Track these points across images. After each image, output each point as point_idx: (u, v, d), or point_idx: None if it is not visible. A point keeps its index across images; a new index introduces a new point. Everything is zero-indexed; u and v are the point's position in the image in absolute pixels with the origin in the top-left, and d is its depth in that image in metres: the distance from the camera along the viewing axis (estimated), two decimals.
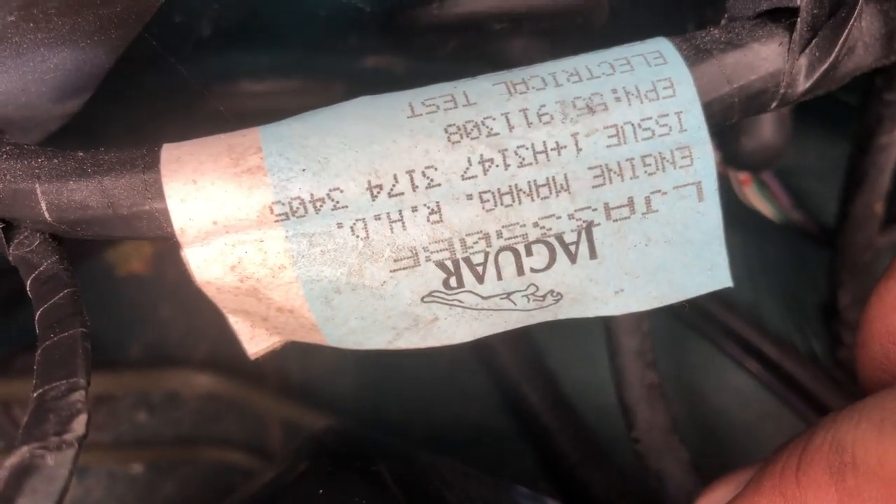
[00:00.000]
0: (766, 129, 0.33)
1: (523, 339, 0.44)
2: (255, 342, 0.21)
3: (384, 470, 0.27)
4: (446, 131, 0.19)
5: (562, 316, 0.21)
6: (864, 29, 0.22)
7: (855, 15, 0.21)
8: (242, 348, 0.22)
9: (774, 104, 0.22)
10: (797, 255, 0.45)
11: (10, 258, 0.20)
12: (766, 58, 0.21)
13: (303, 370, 0.48)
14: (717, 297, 0.44)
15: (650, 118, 0.19)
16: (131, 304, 0.47)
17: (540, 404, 0.43)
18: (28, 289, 0.20)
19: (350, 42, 0.34)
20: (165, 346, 0.47)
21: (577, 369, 0.45)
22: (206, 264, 0.19)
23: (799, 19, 0.21)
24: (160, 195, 0.19)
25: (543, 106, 0.19)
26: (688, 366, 0.46)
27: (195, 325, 0.48)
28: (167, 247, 0.20)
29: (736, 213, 0.40)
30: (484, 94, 0.20)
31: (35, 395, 0.17)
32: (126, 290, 0.47)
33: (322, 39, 0.33)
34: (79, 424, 0.16)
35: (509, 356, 0.43)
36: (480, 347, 0.44)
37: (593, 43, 0.22)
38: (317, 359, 0.47)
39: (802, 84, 0.21)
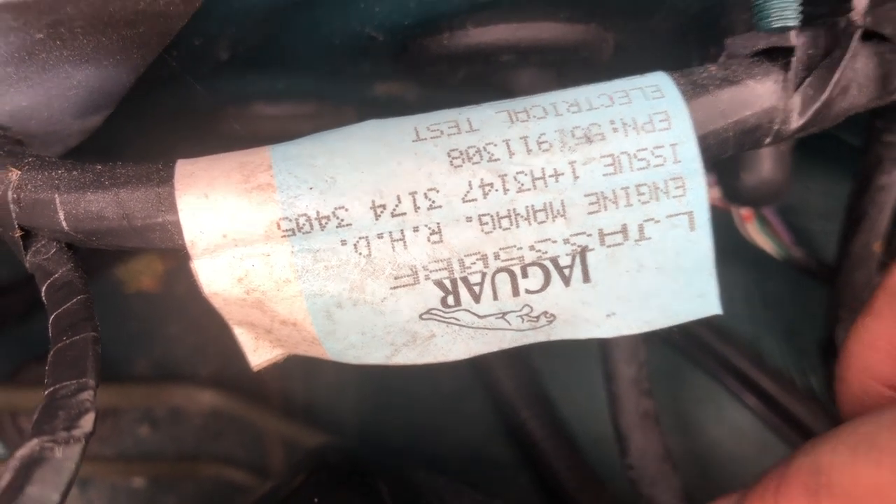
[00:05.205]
0: (766, 165, 0.34)
1: (523, 366, 0.44)
2: (259, 354, 0.22)
3: (382, 486, 0.27)
4: (449, 155, 0.20)
5: (555, 337, 0.21)
6: (858, 70, 0.23)
7: (847, 56, 0.21)
8: (246, 360, 0.22)
9: (769, 140, 0.22)
10: (797, 292, 0.45)
11: (28, 265, 0.21)
12: (761, 94, 0.22)
13: (306, 390, 0.48)
14: (717, 330, 0.44)
15: (646, 149, 0.20)
16: (140, 321, 0.48)
17: (539, 431, 0.43)
18: (43, 294, 0.20)
19: (363, 69, 0.35)
20: (172, 363, 0.48)
21: (576, 397, 0.46)
22: (214, 276, 0.20)
23: (794, 58, 0.22)
24: (173, 208, 0.20)
25: (543, 134, 0.20)
26: (686, 398, 0.46)
27: (202, 342, 0.48)
28: (175, 265, 0.20)
29: (737, 249, 0.40)
30: (487, 120, 0.20)
31: (46, 392, 0.17)
32: (135, 307, 0.48)
33: (336, 66, 0.34)
34: (86, 422, 0.17)
35: (509, 382, 0.44)
36: (481, 372, 0.45)
37: (599, 75, 0.23)
38: (320, 379, 0.48)
39: (796, 121, 0.22)
